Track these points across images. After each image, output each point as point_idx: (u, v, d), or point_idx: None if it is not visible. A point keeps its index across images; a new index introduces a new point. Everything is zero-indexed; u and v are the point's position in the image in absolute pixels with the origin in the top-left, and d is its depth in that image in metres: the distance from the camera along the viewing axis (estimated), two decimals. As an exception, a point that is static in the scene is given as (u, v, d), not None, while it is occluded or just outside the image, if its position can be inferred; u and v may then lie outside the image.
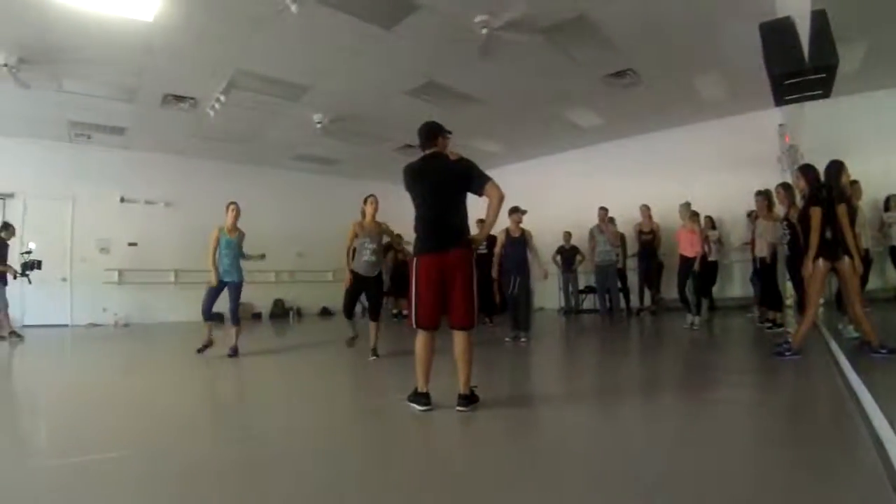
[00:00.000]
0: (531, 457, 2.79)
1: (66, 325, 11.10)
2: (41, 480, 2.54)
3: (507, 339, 7.37)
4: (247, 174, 13.48)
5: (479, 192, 3.73)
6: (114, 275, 11.68)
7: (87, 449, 2.99)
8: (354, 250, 6.23)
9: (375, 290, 6.41)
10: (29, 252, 9.97)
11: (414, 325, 3.72)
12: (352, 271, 6.23)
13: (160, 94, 8.91)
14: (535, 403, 4.15)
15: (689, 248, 8.00)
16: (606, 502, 2.14)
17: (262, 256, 7.23)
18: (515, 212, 7.38)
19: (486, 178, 3.70)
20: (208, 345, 6.69)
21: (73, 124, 10.35)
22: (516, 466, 2.63)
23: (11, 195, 10.95)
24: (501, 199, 3.69)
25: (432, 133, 3.87)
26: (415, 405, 3.67)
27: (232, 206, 6.85)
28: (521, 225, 7.45)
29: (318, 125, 10.23)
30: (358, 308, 6.77)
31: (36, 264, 9.75)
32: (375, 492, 2.33)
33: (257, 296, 12.97)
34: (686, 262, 8.06)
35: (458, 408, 3.58)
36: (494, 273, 7.70)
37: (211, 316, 6.77)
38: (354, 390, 5.21)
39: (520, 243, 7.36)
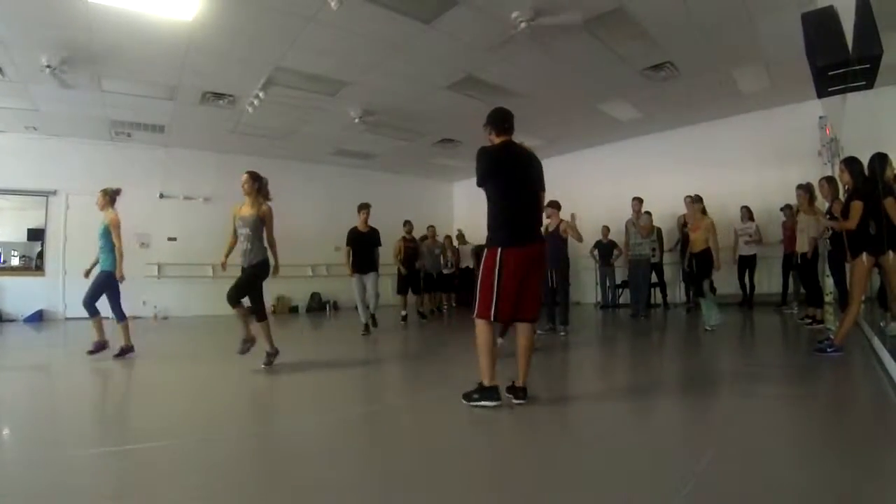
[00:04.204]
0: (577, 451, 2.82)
1: (107, 318, 11.33)
2: (101, 468, 2.63)
3: (539, 331, 7.27)
4: (284, 169, 13.48)
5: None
6: (153, 269, 11.93)
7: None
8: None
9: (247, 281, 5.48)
10: None
11: (492, 319, 3.52)
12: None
13: (199, 92, 9.03)
14: (579, 398, 4.13)
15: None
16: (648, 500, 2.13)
17: None
18: (550, 206, 7.29)
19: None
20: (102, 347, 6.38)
21: (113, 123, 10.60)
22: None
23: (54, 192, 11.31)
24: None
25: (510, 119, 3.81)
26: (486, 402, 3.50)
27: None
28: (559, 216, 7.40)
29: (356, 120, 10.27)
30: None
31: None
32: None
33: (295, 290, 13.27)
34: None
35: (517, 400, 3.55)
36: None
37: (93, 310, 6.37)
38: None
39: (556, 237, 7.29)
